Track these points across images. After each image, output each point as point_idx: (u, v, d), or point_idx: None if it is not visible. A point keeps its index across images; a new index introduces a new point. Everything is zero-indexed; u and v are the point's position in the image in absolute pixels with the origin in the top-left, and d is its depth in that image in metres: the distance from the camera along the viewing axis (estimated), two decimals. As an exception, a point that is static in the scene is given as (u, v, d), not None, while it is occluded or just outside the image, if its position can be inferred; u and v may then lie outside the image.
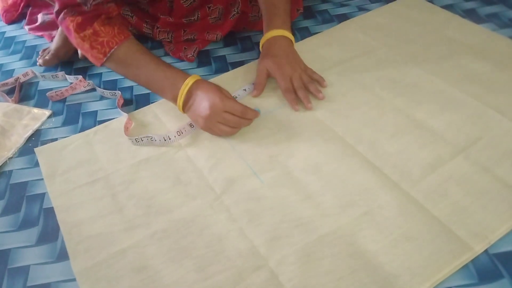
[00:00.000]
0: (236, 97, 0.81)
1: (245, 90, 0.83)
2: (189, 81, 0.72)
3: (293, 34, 0.88)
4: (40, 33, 1.10)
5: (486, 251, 0.56)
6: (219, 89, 0.72)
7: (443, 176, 0.65)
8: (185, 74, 0.74)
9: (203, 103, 0.70)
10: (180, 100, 0.72)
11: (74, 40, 0.76)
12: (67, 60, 0.98)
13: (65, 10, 0.74)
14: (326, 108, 0.78)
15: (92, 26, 0.74)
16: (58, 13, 0.76)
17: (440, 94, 0.79)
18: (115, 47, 0.74)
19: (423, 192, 0.63)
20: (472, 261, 0.55)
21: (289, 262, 0.56)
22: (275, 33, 0.82)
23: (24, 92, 0.92)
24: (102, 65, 0.76)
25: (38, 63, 0.97)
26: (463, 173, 0.65)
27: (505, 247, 0.57)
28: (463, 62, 0.85)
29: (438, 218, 0.59)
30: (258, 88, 0.83)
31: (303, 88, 0.80)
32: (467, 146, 0.69)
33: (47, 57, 0.96)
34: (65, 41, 0.93)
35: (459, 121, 0.73)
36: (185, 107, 0.74)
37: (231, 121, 0.71)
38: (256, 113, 0.73)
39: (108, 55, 0.75)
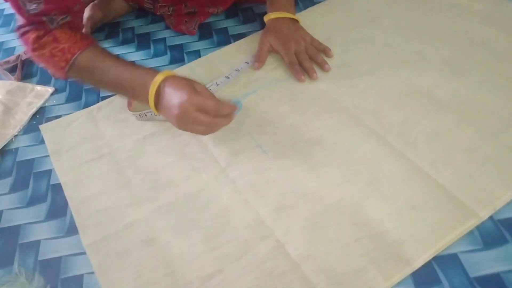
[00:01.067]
0: (239, 70, 0.80)
1: (247, 63, 0.82)
2: (158, 78, 0.63)
3: (296, 3, 0.87)
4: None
5: (491, 217, 0.57)
6: (189, 83, 0.62)
7: (448, 144, 0.64)
8: (155, 71, 0.64)
9: (172, 101, 0.61)
10: (151, 100, 0.64)
11: (32, 51, 0.69)
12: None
13: (28, 27, 0.68)
14: (330, 78, 0.77)
15: (51, 33, 0.68)
16: (20, 27, 0.69)
17: (446, 62, 0.77)
18: (78, 52, 0.68)
19: (427, 160, 0.63)
20: (477, 227, 0.56)
21: (295, 231, 0.57)
22: (278, 15, 0.82)
23: (26, 70, 0.91)
24: (66, 74, 0.70)
25: None
26: (468, 140, 0.65)
27: (510, 213, 0.57)
28: (468, 28, 0.84)
29: (443, 186, 0.59)
30: (259, 59, 0.82)
31: (309, 59, 0.79)
32: (472, 113, 0.68)
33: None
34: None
35: (464, 89, 0.72)
36: (158, 107, 0.65)
37: (204, 121, 0.61)
38: (232, 107, 0.63)
39: (71, 61, 0.68)
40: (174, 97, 0.60)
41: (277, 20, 0.82)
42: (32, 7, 0.65)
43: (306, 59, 0.79)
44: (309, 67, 0.78)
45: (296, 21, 0.83)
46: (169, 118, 0.64)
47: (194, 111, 0.60)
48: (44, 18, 0.67)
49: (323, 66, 0.78)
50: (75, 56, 0.68)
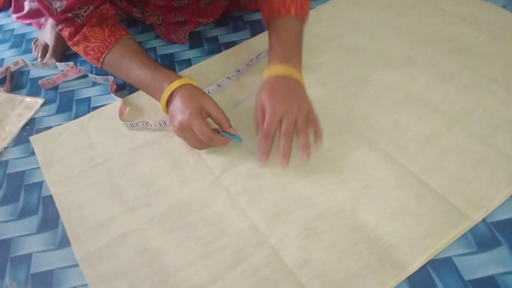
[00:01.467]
0: (230, 78, 0.80)
1: (238, 71, 0.82)
2: (173, 86, 0.65)
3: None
4: (28, 21, 1.08)
5: (484, 220, 0.57)
6: (197, 102, 0.63)
7: (440, 148, 0.65)
8: (174, 76, 0.67)
9: (176, 113, 0.64)
10: (163, 105, 0.67)
11: (71, 47, 0.77)
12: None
13: (61, 25, 0.74)
14: (320, 85, 0.78)
15: (82, 32, 0.73)
16: (56, 26, 0.76)
17: (435, 67, 0.78)
18: (106, 52, 0.73)
19: (419, 165, 0.63)
20: (470, 230, 0.56)
21: (290, 238, 0.57)
22: (280, 70, 0.66)
23: (15, 81, 0.91)
24: (103, 68, 0.77)
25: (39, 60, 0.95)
26: (459, 144, 0.65)
27: (502, 215, 0.57)
28: (456, 34, 0.85)
29: (436, 190, 0.60)
30: (259, 127, 0.65)
31: (289, 139, 0.61)
32: (463, 117, 0.69)
33: (47, 60, 0.93)
34: (58, 37, 0.93)
35: (454, 93, 0.73)
36: (168, 109, 0.68)
37: (198, 143, 0.64)
38: (225, 141, 0.64)
39: (102, 60, 0.74)
40: (178, 111, 0.64)
41: (277, 78, 0.66)
42: (57, 5, 0.70)
43: (288, 134, 0.61)
44: (285, 147, 0.61)
45: (299, 82, 0.67)
46: (171, 123, 0.67)
47: (190, 131, 0.63)
48: (70, 15, 0.71)
49: (303, 151, 0.62)
50: (104, 55, 0.74)
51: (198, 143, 0.65)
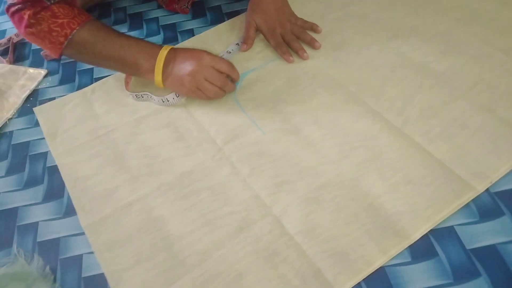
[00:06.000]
0: (230, 52, 0.79)
1: (237, 44, 0.81)
2: (165, 49, 0.67)
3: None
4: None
5: (487, 190, 0.57)
6: (199, 51, 0.68)
7: (444, 119, 0.64)
8: (160, 45, 0.68)
9: (186, 61, 0.66)
10: (160, 66, 0.67)
11: (27, 28, 0.67)
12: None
13: (22, 4, 0.66)
14: (325, 56, 0.77)
15: (49, 8, 0.66)
16: (12, 5, 0.67)
17: (442, 36, 0.77)
18: (77, 27, 0.67)
19: (424, 136, 0.63)
20: (473, 200, 0.56)
21: (292, 207, 0.57)
22: None
23: (18, 52, 0.90)
24: (61, 52, 0.69)
25: None
26: (465, 115, 0.64)
27: (506, 185, 0.57)
28: (465, 2, 0.83)
29: (440, 160, 0.59)
30: (247, 42, 0.80)
31: (296, 40, 0.77)
32: (470, 88, 0.68)
33: None
34: None
35: (461, 63, 0.72)
36: (164, 77, 0.68)
37: (218, 79, 0.67)
38: (238, 73, 0.71)
39: (70, 36, 0.67)
40: (190, 58, 0.66)
41: None
42: None
43: (293, 39, 0.77)
44: (298, 47, 0.76)
45: None
46: (180, 80, 0.67)
47: (210, 68, 0.66)
48: None
49: (313, 44, 0.77)
50: (75, 31, 0.67)
51: (217, 83, 0.67)
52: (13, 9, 0.67)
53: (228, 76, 0.69)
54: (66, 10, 0.67)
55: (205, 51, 0.67)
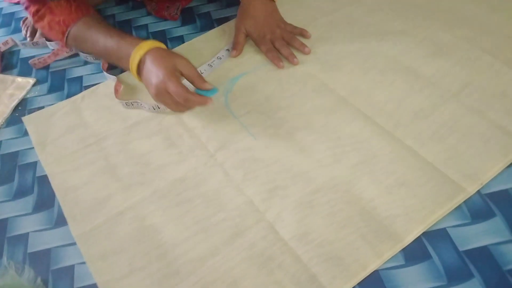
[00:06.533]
0: (220, 58, 0.79)
1: (228, 50, 0.81)
2: (139, 53, 0.66)
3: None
4: (16, 0, 1.05)
5: (478, 191, 0.57)
6: (170, 62, 0.65)
7: (435, 121, 0.65)
8: (140, 41, 0.68)
9: (150, 77, 0.65)
10: (133, 73, 0.68)
11: (35, 23, 0.75)
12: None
13: (28, 2, 0.73)
14: (315, 61, 0.77)
15: (47, 6, 0.71)
16: (26, 8, 0.75)
17: (431, 39, 0.78)
18: (71, 25, 0.71)
19: (415, 138, 0.63)
20: (465, 202, 0.57)
21: (287, 213, 0.57)
22: None
23: (6, 61, 0.89)
24: (67, 45, 0.75)
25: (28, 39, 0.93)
26: (455, 117, 0.65)
27: (496, 186, 0.58)
28: (453, 5, 0.84)
29: (431, 163, 0.60)
30: (237, 47, 0.80)
31: (286, 45, 0.78)
32: (459, 90, 0.69)
33: (37, 39, 0.91)
34: None
35: (450, 66, 0.72)
36: (140, 76, 0.69)
37: (177, 105, 0.66)
38: (202, 100, 0.64)
39: (67, 34, 0.72)
40: (152, 75, 0.64)
41: (254, 1, 0.79)
42: None
43: (283, 45, 0.78)
44: (288, 52, 0.77)
45: (273, 2, 0.81)
46: (148, 89, 0.67)
47: (166, 93, 0.64)
48: None
49: (303, 49, 0.77)
50: (69, 28, 0.72)
51: (177, 105, 0.66)
52: (24, 5, 0.75)
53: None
54: (63, 7, 0.72)
55: (167, 71, 0.63)
